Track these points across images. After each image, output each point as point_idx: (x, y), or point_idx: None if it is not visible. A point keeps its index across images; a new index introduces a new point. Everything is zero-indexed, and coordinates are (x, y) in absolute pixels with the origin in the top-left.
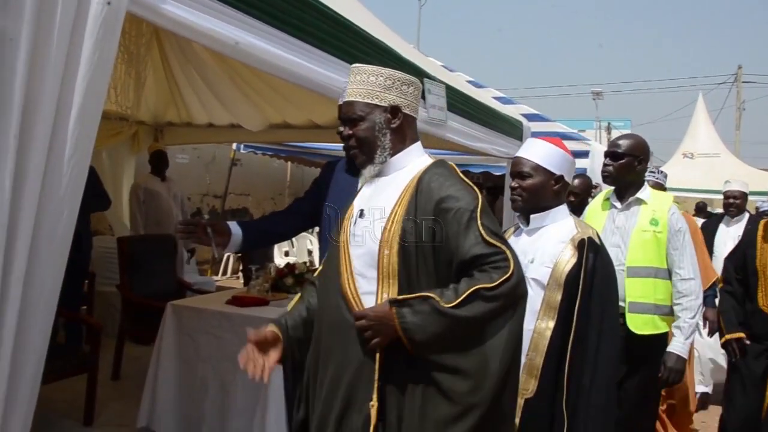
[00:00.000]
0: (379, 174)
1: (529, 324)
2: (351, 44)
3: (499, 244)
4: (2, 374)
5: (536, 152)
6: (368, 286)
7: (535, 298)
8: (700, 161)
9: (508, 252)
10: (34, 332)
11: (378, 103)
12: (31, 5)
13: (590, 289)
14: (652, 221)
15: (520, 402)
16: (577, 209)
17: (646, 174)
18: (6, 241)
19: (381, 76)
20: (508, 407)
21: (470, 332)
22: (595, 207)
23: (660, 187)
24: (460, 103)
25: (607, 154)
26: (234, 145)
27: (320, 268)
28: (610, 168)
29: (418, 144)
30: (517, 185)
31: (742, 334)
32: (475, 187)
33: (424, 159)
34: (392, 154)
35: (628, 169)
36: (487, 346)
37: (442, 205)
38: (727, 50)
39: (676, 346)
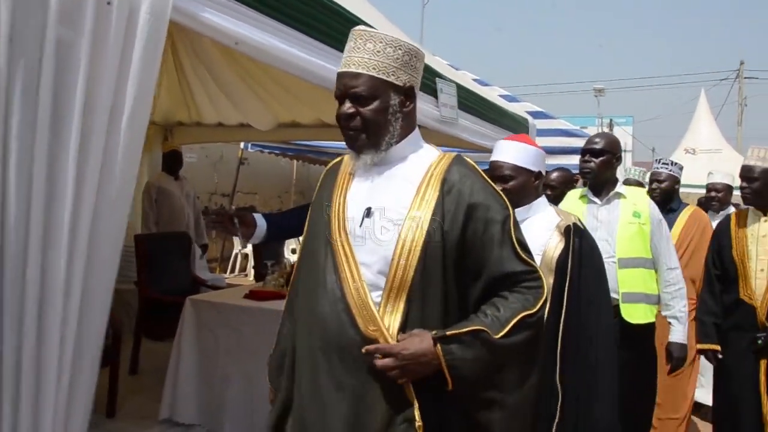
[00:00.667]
0: (377, 163)
1: None
2: None
3: (531, 262)
4: (66, 358)
5: (513, 154)
6: (375, 298)
7: None
8: (702, 157)
9: (539, 271)
10: (94, 322)
11: (394, 81)
12: (90, 16)
13: (580, 270)
14: (634, 213)
15: None
16: (554, 203)
17: (659, 165)
18: (68, 240)
19: (399, 49)
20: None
21: (513, 357)
22: (569, 206)
23: (675, 180)
24: (469, 102)
25: (585, 152)
26: (242, 144)
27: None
28: (592, 164)
29: (418, 130)
30: (500, 188)
31: (716, 347)
32: (502, 194)
33: (429, 150)
34: (397, 142)
35: (608, 166)
36: (526, 364)
37: (473, 212)
38: (729, 46)
39: (677, 335)
